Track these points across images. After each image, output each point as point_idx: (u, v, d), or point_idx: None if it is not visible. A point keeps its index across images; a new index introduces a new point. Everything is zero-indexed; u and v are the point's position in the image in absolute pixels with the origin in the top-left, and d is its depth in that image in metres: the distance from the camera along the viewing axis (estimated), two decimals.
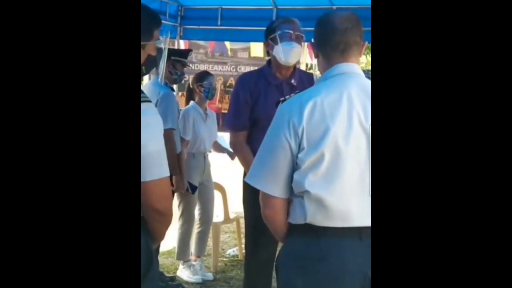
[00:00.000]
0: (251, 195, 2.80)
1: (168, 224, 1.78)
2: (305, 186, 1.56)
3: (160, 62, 1.84)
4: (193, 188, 3.86)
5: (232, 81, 12.79)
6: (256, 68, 3.11)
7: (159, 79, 3.63)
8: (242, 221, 4.12)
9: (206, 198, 4.04)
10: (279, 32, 2.70)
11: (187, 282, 3.90)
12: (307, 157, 1.55)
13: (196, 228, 4.05)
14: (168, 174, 1.66)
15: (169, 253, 4.38)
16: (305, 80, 2.86)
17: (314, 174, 1.56)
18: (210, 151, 4.07)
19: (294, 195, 1.62)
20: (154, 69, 3.71)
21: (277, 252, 2.90)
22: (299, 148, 1.56)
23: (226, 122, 2.88)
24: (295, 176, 1.58)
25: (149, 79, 4.96)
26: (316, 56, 1.76)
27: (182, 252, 3.99)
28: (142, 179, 1.55)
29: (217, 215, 4.42)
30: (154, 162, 1.59)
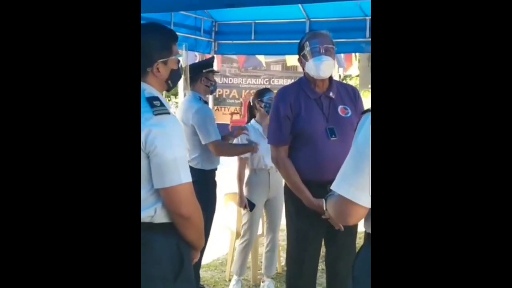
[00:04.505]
0: (293, 206, 2.83)
1: (195, 229, 1.85)
2: None
3: (182, 75, 1.97)
4: (251, 206, 3.88)
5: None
6: (289, 80, 3.13)
7: (191, 94, 3.68)
8: (280, 233, 4.15)
9: (273, 216, 4.00)
10: (307, 49, 2.70)
11: None
12: None
13: (264, 247, 4.07)
14: (189, 180, 1.79)
15: (208, 266, 4.41)
16: (344, 92, 2.84)
17: None
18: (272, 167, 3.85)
19: None
20: (186, 86, 3.79)
21: (316, 263, 2.92)
22: None
23: (268, 136, 2.89)
24: None
25: (184, 95, 5.05)
26: None
27: (239, 267, 4.01)
28: (161, 186, 1.73)
29: None
30: (171, 169, 1.74)
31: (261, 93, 3.92)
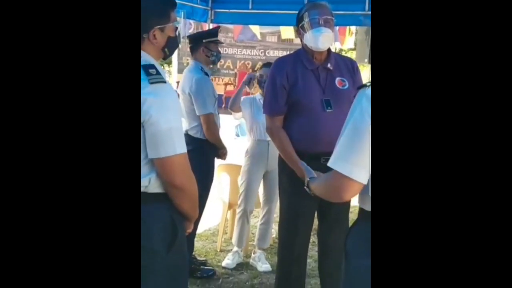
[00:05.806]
0: (287, 177, 2.81)
1: (189, 200, 1.84)
2: None
3: (179, 43, 1.92)
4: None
5: (260, 65, 12.70)
6: (285, 52, 3.08)
7: (192, 63, 3.65)
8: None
9: (271, 188, 3.96)
10: (306, 20, 2.67)
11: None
12: None
13: (260, 219, 4.08)
14: (183, 151, 1.75)
15: (200, 236, 4.42)
16: (342, 64, 2.80)
17: None
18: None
19: None
20: (189, 56, 3.74)
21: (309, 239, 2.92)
22: None
23: (263, 106, 2.86)
24: None
25: (178, 64, 4.97)
26: None
27: (237, 238, 4.04)
28: (156, 156, 1.70)
29: None
30: (166, 140, 1.70)
31: (263, 67, 3.99)
